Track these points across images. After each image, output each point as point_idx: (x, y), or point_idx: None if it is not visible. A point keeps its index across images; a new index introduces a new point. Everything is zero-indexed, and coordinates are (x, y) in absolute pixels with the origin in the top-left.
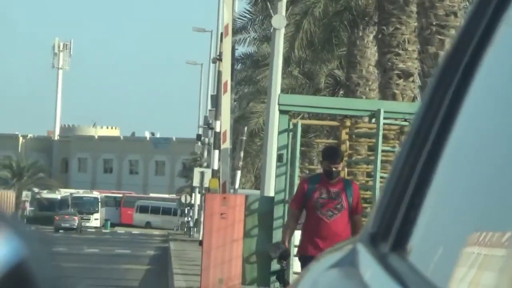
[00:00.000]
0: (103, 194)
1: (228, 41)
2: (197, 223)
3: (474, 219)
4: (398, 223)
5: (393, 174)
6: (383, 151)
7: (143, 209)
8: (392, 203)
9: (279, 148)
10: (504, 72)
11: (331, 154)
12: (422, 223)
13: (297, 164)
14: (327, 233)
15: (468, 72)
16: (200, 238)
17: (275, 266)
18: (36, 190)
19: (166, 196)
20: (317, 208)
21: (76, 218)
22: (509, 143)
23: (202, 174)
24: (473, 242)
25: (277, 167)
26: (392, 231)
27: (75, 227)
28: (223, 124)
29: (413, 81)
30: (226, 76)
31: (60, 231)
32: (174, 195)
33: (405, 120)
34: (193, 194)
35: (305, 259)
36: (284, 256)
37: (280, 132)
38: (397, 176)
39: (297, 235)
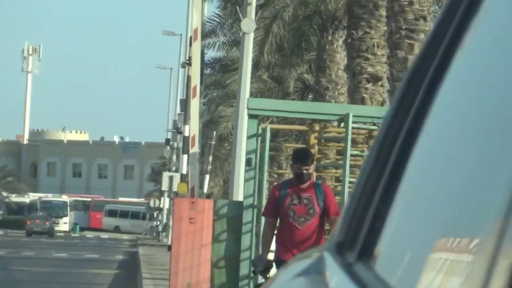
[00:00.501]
0: (72, 198)
1: (197, 45)
2: (166, 227)
3: (441, 226)
4: (364, 231)
5: (360, 180)
6: (351, 155)
7: (112, 213)
8: (359, 211)
9: (248, 153)
10: (473, 76)
11: (301, 156)
12: (389, 231)
13: (266, 168)
14: (300, 240)
15: (437, 76)
16: (169, 243)
17: (244, 271)
18: (5, 194)
19: (135, 200)
20: (289, 214)
21: (47, 222)
22: (478, 148)
23: (171, 178)
24: (439, 249)
25: (246, 171)
26: (359, 239)
27: (46, 231)
28: (192, 128)
29: (382, 85)
30: (195, 81)
31: (32, 235)
32: (143, 199)
33: (374, 124)
34: (162, 199)
35: (281, 264)
36: (268, 268)
37: (249, 137)
38: (364, 182)
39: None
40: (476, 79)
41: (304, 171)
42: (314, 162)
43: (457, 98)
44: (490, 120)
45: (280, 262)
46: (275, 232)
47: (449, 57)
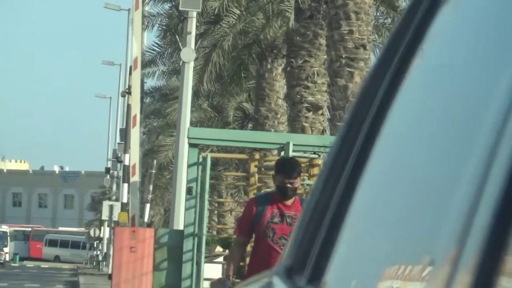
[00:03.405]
0: (12, 228)
1: (137, 75)
2: (106, 256)
3: (392, 252)
4: (314, 255)
5: (309, 206)
6: None
7: (52, 243)
8: (308, 235)
9: (188, 181)
10: (418, 104)
11: (286, 167)
12: (338, 256)
13: (207, 197)
14: None
15: (383, 106)
16: (110, 272)
17: None
18: None
19: (75, 229)
20: (267, 234)
21: (2, 253)
22: (423, 174)
23: (111, 207)
24: (389, 276)
25: (187, 200)
26: (308, 263)
27: (1, 261)
28: (132, 157)
29: (322, 114)
30: (135, 110)
31: None
32: (83, 229)
33: (315, 153)
34: (102, 228)
35: None
36: None
37: (189, 165)
38: (313, 208)
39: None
40: (421, 106)
41: (288, 185)
42: (301, 175)
43: (403, 128)
44: (441, 143)
45: None
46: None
47: (395, 86)
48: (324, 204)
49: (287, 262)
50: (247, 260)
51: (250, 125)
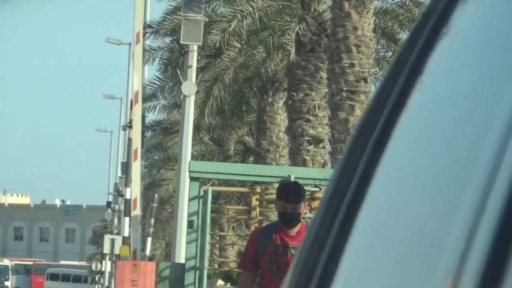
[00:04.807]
0: (14, 262)
1: (138, 108)
2: None
3: (389, 286)
4: None
5: (307, 239)
6: None
7: (53, 277)
8: (306, 269)
9: (189, 215)
10: (417, 137)
11: (287, 190)
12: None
13: (208, 230)
14: None
15: (382, 138)
16: None
17: None
18: None
19: (77, 263)
20: (271, 268)
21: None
22: (421, 207)
23: (113, 241)
24: None
25: (188, 233)
26: None
27: None
28: (134, 191)
29: (323, 147)
30: (136, 143)
31: None
32: (85, 263)
33: (316, 186)
34: (104, 261)
35: None
36: None
37: (190, 199)
38: (311, 241)
39: None
40: (421, 140)
41: (290, 210)
42: (306, 200)
43: (403, 159)
44: (438, 180)
45: None
46: None
47: (393, 118)
48: (323, 237)
49: None
50: None
51: (251, 159)
